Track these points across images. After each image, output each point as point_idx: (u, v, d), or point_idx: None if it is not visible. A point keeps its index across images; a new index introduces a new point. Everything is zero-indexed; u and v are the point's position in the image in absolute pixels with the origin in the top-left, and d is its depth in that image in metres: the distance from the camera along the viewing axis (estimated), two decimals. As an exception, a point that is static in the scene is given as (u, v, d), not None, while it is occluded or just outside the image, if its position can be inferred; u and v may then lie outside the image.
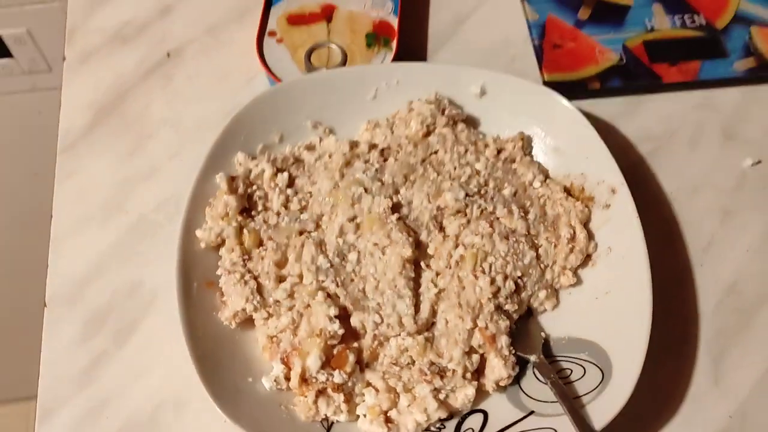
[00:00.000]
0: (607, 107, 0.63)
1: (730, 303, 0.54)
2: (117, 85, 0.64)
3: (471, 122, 0.60)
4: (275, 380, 0.47)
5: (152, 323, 0.52)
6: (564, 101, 0.57)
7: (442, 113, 0.58)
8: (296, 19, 0.66)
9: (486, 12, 0.69)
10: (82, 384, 0.50)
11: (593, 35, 0.66)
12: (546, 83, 0.63)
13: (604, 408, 0.45)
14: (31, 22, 0.87)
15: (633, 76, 0.64)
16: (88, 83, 0.64)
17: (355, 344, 0.48)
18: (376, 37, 0.65)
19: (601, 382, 0.46)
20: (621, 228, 0.52)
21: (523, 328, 0.51)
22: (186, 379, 0.47)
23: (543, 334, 0.51)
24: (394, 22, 0.65)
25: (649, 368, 0.47)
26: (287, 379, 0.47)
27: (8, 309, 1.15)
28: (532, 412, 0.46)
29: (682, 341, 0.52)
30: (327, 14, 0.66)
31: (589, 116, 0.56)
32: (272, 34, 0.65)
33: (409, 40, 0.66)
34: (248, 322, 0.50)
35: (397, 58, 0.63)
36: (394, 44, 0.64)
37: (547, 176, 0.57)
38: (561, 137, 0.58)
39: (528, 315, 0.52)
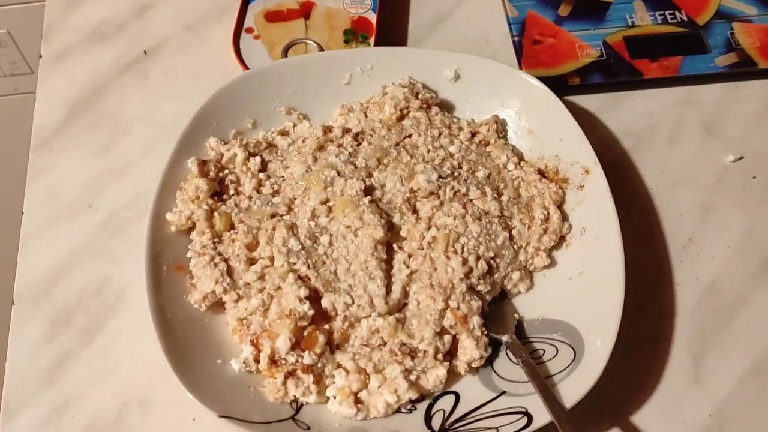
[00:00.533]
0: (587, 103, 0.63)
1: (710, 301, 0.53)
2: (92, 81, 0.64)
3: (445, 106, 0.60)
4: (244, 362, 0.46)
5: (119, 321, 0.51)
6: (537, 83, 0.57)
7: (416, 97, 0.58)
8: (274, 16, 0.65)
9: (466, 9, 0.69)
10: (48, 383, 0.49)
11: (573, 31, 0.66)
12: None
13: (575, 386, 0.44)
14: (11, 24, 0.86)
15: (614, 72, 0.63)
16: (63, 80, 0.64)
17: (326, 326, 0.48)
18: (354, 33, 0.65)
19: (572, 361, 0.46)
20: (594, 208, 0.52)
21: (496, 310, 0.50)
22: (152, 378, 0.47)
23: (516, 315, 0.50)
24: (373, 18, 0.65)
25: (626, 361, 0.47)
26: (257, 361, 0.46)
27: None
28: (503, 393, 0.46)
29: (661, 337, 0.52)
30: (305, 11, 0.66)
31: (569, 109, 0.55)
32: (249, 30, 0.64)
33: (388, 36, 0.66)
34: (219, 305, 0.49)
35: None
36: (372, 40, 0.64)
37: (521, 159, 0.57)
38: (535, 120, 0.57)
39: (502, 297, 0.52)
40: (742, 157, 0.60)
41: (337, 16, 0.65)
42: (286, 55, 0.63)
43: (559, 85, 0.61)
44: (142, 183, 0.56)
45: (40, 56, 0.66)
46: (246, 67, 0.62)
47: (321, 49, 0.63)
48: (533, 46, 0.65)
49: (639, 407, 0.49)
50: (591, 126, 0.61)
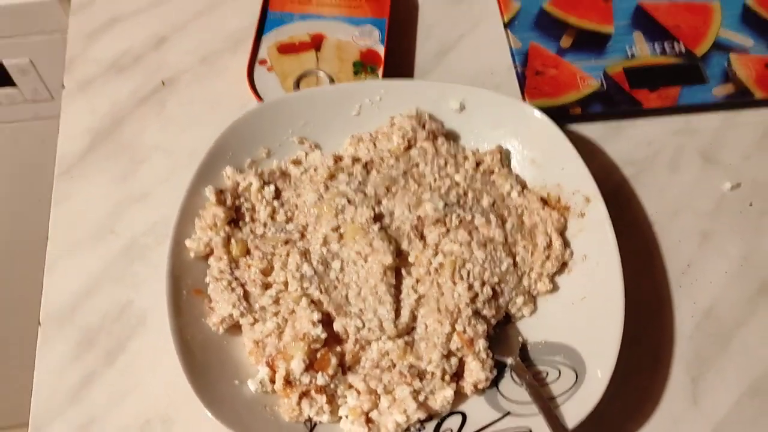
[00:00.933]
0: (589, 131, 0.65)
1: (708, 325, 0.55)
2: (113, 112, 0.66)
3: (451, 136, 0.62)
4: (260, 383, 0.48)
5: (141, 342, 0.53)
6: (539, 114, 0.59)
7: (423, 127, 0.60)
8: (286, 48, 0.68)
9: (471, 41, 0.71)
10: (73, 401, 0.51)
11: (575, 62, 0.68)
12: None
13: (577, 407, 0.46)
14: (34, 53, 0.89)
15: (614, 102, 0.65)
16: (85, 110, 0.66)
17: (338, 348, 0.50)
18: (363, 65, 0.67)
19: (574, 384, 0.48)
20: (595, 236, 0.54)
21: (501, 333, 0.52)
22: (173, 397, 0.49)
23: (520, 338, 0.52)
24: (381, 50, 0.67)
25: (626, 383, 0.49)
26: (272, 381, 0.48)
27: (2, 330, 1.16)
28: (508, 413, 0.48)
29: (660, 360, 0.53)
30: (316, 43, 0.69)
31: (570, 139, 0.58)
32: (263, 62, 0.67)
33: (396, 68, 0.68)
34: (235, 327, 0.51)
35: None
36: (380, 72, 0.66)
37: (524, 187, 0.59)
38: (537, 149, 0.60)
39: (506, 320, 0.54)
40: (739, 185, 0.62)
41: (346, 48, 0.68)
42: (298, 86, 0.66)
43: (561, 115, 0.63)
44: (161, 210, 0.58)
45: (63, 86, 0.69)
46: (260, 98, 0.64)
47: (331, 80, 0.66)
48: (536, 77, 0.67)
49: (639, 428, 0.50)
50: (592, 154, 0.63)
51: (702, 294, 0.56)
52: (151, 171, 0.63)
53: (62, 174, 0.63)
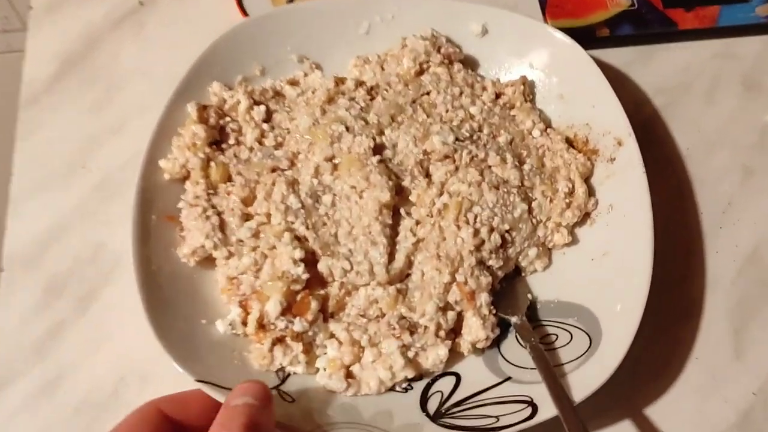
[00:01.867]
0: (616, 57, 0.58)
1: (753, 271, 0.49)
2: (86, 34, 0.59)
3: (469, 63, 0.55)
4: (231, 324, 0.43)
5: (116, 289, 0.48)
6: (573, 43, 0.51)
7: (438, 51, 0.53)
8: None
9: None
10: (40, 355, 0.46)
11: None
12: None
13: (587, 378, 0.40)
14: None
15: (645, 23, 0.58)
16: (54, 33, 0.59)
17: (321, 291, 0.44)
18: None
19: (587, 350, 0.42)
20: (625, 184, 0.47)
21: (508, 288, 0.46)
22: (152, 351, 0.42)
23: (530, 295, 0.46)
24: None
25: (662, 333, 0.44)
26: (244, 324, 0.43)
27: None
28: (508, 378, 0.42)
29: (699, 310, 0.48)
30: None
31: (600, 65, 0.51)
32: None
33: None
34: (209, 261, 0.46)
35: None
36: None
37: (548, 126, 0.52)
38: (566, 83, 0.52)
39: (515, 274, 0.48)
40: None
41: None
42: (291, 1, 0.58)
43: (587, 38, 0.56)
44: (138, 143, 0.50)
45: (30, 7, 0.61)
46: (247, 16, 0.57)
47: None
48: None
49: (672, 384, 0.45)
50: (620, 82, 0.56)
51: (745, 236, 0.50)
52: (129, 99, 0.56)
53: (28, 103, 0.56)
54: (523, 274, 0.48)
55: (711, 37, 0.59)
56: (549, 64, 0.53)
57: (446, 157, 0.48)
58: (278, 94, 0.53)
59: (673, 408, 0.45)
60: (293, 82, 0.54)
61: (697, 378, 0.45)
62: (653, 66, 0.57)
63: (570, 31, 0.52)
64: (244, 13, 0.58)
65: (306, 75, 0.55)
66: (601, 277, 0.45)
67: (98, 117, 0.55)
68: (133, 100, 0.56)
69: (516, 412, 0.39)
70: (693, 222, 0.51)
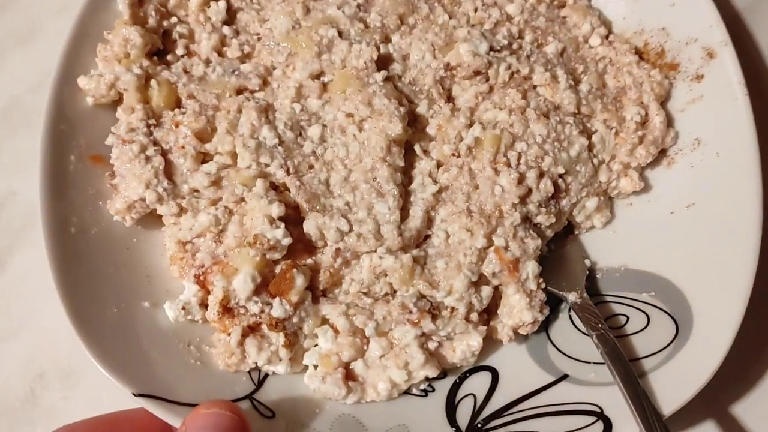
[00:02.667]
0: None
1: None
2: None
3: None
4: (184, 307, 0.33)
5: (28, 255, 0.39)
6: None
7: (464, -76, 0.40)
8: None
9: None
10: None
11: None
12: None
13: (678, 378, 0.31)
14: None
15: None
16: None
17: (308, 261, 0.33)
18: None
19: (673, 339, 0.32)
20: (717, 111, 0.37)
21: (558, 253, 0.37)
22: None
23: (587, 262, 0.36)
24: None
25: (751, 324, 0.33)
26: (203, 306, 0.33)
27: None
28: (565, 377, 0.32)
29: None
30: None
31: None
32: None
33: None
34: (152, 219, 0.35)
35: None
36: None
37: (610, 31, 0.41)
38: (637, -28, 0.40)
39: (566, 233, 0.38)
40: None
41: None
42: None
43: None
44: (55, 55, 0.39)
45: None
46: None
47: None
48: None
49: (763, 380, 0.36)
50: None
51: None
52: None
53: None
54: (576, 232, 0.37)
55: None
56: (611, -53, 0.40)
57: (477, 73, 0.38)
58: (244, -15, 0.40)
59: (765, 409, 0.35)
60: (265, -30, 0.41)
61: None
62: None
63: None
64: None
65: (283, -41, 0.41)
66: (686, 237, 0.35)
67: (1, 20, 0.45)
68: None
69: (582, 428, 0.29)
70: None
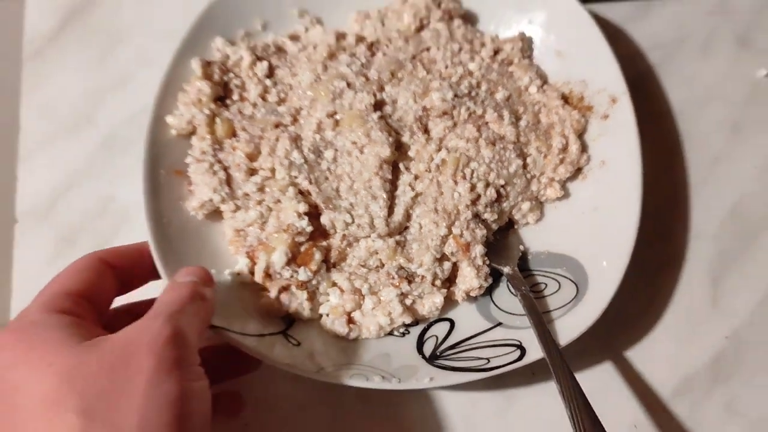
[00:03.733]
0: (614, 11, 0.58)
1: (733, 224, 0.51)
2: None
3: (469, 18, 0.56)
4: (239, 273, 0.45)
5: (126, 240, 0.47)
6: (574, 2, 0.52)
7: (438, 6, 0.54)
8: None
9: None
10: None
11: None
12: None
13: (573, 324, 0.43)
14: None
15: None
16: None
17: (324, 243, 0.46)
18: None
19: (574, 298, 0.44)
20: (617, 141, 0.49)
21: (501, 240, 0.49)
22: None
23: (521, 247, 0.49)
24: None
25: (645, 282, 0.46)
26: (251, 273, 0.45)
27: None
28: (499, 324, 0.45)
29: (681, 259, 0.50)
30: None
31: (596, 20, 0.51)
32: None
33: None
34: (216, 214, 0.48)
35: None
36: None
37: (545, 81, 0.53)
38: (564, 39, 0.53)
39: (508, 227, 0.50)
40: None
41: None
42: None
43: None
44: (143, 98, 0.50)
45: None
46: None
47: None
48: None
49: (652, 328, 0.48)
50: (616, 38, 0.58)
51: (728, 190, 0.52)
52: (131, 53, 0.57)
53: (32, 57, 0.57)
54: (516, 227, 0.50)
55: None
56: (547, 21, 0.53)
57: (445, 113, 0.50)
58: (280, 50, 0.54)
59: (651, 351, 0.48)
60: (294, 37, 0.55)
61: (675, 324, 0.48)
62: (651, 20, 0.58)
63: None
64: None
65: (307, 30, 0.55)
66: (589, 230, 0.47)
67: (102, 70, 0.56)
68: (135, 54, 0.57)
69: (505, 354, 0.42)
70: (681, 176, 0.53)
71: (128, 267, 0.40)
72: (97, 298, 0.37)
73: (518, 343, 0.43)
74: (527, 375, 0.47)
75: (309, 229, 0.45)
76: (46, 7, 0.59)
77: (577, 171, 0.50)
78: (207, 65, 0.50)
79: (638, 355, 0.47)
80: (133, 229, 0.51)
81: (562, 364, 0.39)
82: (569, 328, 0.43)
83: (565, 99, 0.52)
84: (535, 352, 0.42)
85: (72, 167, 0.53)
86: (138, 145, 0.47)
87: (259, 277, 0.45)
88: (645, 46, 0.57)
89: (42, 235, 0.51)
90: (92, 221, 0.51)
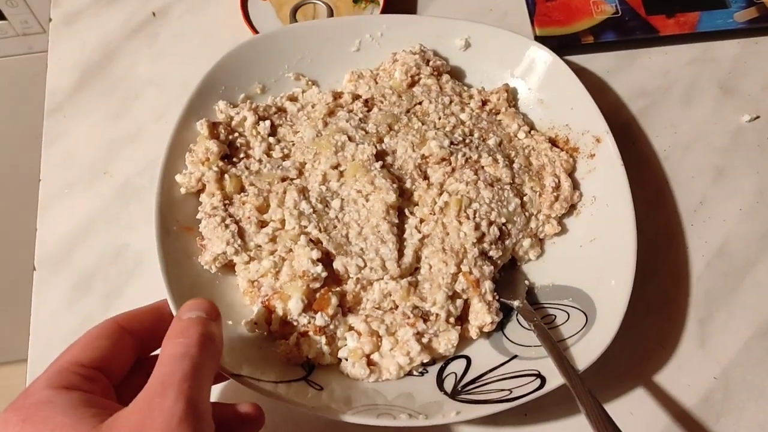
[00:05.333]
0: (600, 62, 0.62)
1: (719, 265, 0.53)
2: (103, 44, 0.64)
3: (456, 74, 0.59)
4: (256, 323, 0.46)
5: (138, 286, 0.52)
6: (547, 52, 0.56)
7: (427, 64, 0.58)
8: None
9: None
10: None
11: None
12: (537, 38, 0.62)
13: (587, 350, 0.44)
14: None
15: (628, 30, 0.62)
16: (74, 44, 0.64)
17: (338, 288, 0.47)
18: None
19: (584, 325, 0.46)
20: (605, 177, 0.52)
21: (507, 277, 0.50)
22: None
23: (527, 281, 0.50)
24: None
25: (634, 325, 0.47)
26: (268, 322, 0.46)
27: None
28: (515, 356, 0.46)
29: (669, 301, 0.52)
30: (313, -30, 0.65)
31: (581, 72, 0.56)
32: None
33: None
34: (228, 266, 0.49)
35: (385, 13, 0.63)
36: (381, 0, 0.63)
37: (532, 128, 0.57)
38: (545, 89, 0.57)
39: (512, 264, 0.52)
40: (758, 117, 0.59)
41: None
42: (294, 17, 0.62)
43: (572, 44, 0.61)
44: (155, 150, 0.53)
45: (50, 19, 0.65)
46: (255, 30, 0.61)
47: (330, 9, 0.63)
48: (546, 3, 0.64)
49: (644, 370, 0.49)
50: (602, 87, 0.61)
51: (714, 232, 0.55)
52: (144, 108, 0.60)
53: (52, 112, 0.60)
54: (519, 264, 0.52)
55: (690, 41, 0.63)
56: (529, 73, 0.58)
57: (443, 159, 0.52)
58: (280, 110, 0.56)
59: (638, 390, 0.48)
60: (293, 98, 0.58)
61: (663, 365, 0.49)
62: (634, 70, 0.62)
63: (556, 39, 0.56)
64: (250, 23, 0.62)
65: (304, 91, 0.58)
66: (590, 261, 0.50)
67: (117, 125, 0.59)
68: (148, 109, 0.60)
69: (526, 384, 0.43)
70: (666, 220, 0.55)
71: (147, 330, 0.40)
72: (112, 367, 0.37)
73: (537, 372, 0.44)
74: (519, 415, 0.47)
75: (324, 274, 0.46)
76: (67, 65, 0.62)
77: (571, 207, 0.53)
78: (213, 126, 0.52)
79: (625, 396, 0.48)
80: (146, 275, 0.52)
81: (583, 388, 0.41)
82: (584, 353, 0.44)
83: (553, 142, 0.55)
84: (555, 379, 0.43)
85: (88, 216, 0.55)
86: (150, 193, 0.49)
87: (276, 326, 0.45)
88: (629, 95, 0.60)
89: (59, 283, 0.52)
90: (107, 268, 0.53)
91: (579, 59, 0.62)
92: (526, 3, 0.65)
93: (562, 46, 0.55)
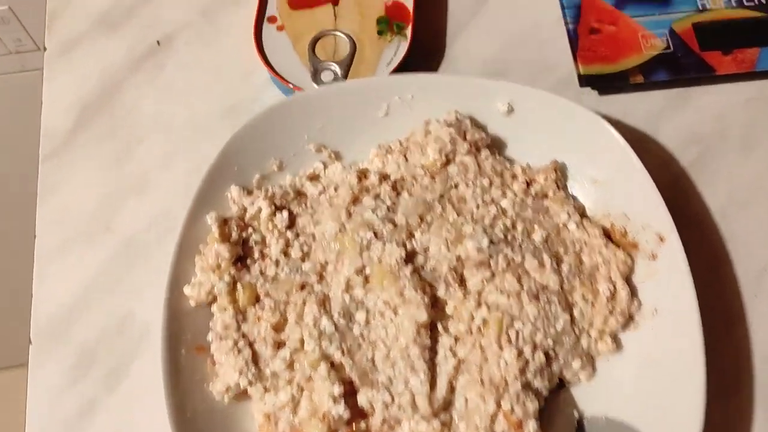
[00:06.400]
0: (648, 103, 0.56)
1: None
2: (103, 78, 0.58)
3: (496, 144, 0.52)
4: (274, 465, 0.42)
5: (145, 362, 0.47)
6: (609, 127, 0.49)
7: (464, 138, 0.51)
8: (299, 3, 0.58)
9: None
10: None
11: (636, 17, 0.58)
12: (582, 76, 0.56)
13: None
14: (13, 0, 0.80)
15: (681, 67, 0.56)
16: (71, 77, 0.58)
17: (362, 424, 0.43)
18: (389, 21, 0.57)
19: (642, 477, 0.40)
20: (669, 286, 0.45)
21: (552, 405, 0.45)
22: None
23: (576, 413, 0.45)
24: (410, 3, 0.58)
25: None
26: (287, 463, 0.42)
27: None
28: (561, 508, 0.41)
29: (735, 390, 0.46)
30: (333, -5, 0.58)
31: (628, 115, 0.50)
32: (272, 20, 0.58)
33: (425, 24, 0.59)
34: (244, 394, 0.45)
35: (412, 47, 0.56)
36: (408, 31, 0.57)
37: (583, 214, 0.50)
38: (602, 167, 0.50)
39: (558, 387, 0.46)
40: None
41: (368, 2, 0.58)
42: (313, 51, 0.56)
43: (620, 85, 0.56)
44: (161, 202, 0.51)
45: (45, 48, 0.60)
46: (270, 66, 0.55)
47: (352, 42, 0.56)
48: (590, 36, 0.57)
49: None
50: (652, 131, 0.55)
51: None
52: (150, 153, 0.55)
53: (48, 158, 0.55)
54: (566, 385, 0.46)
55: (748, 79, 0.57)
56: (582, 146, 0.50)
57: (482, 263, 0.46)
58: (299, 194, 0.51)
59: None
60: (313, 177, 0.52)
61: None
62: (686, 112, 0.56)
63: (602, 78, 0.52)
64: (264, 56, 0.56)
65: (326, 166, 0.52)
66: (651, 387, 0.44)
67: (119, 173, 0.54)
68: (153, 154, 0.55)
69: None
70: (728, 290, 0.49)
71: None
72: None
73: None
74: None
75: (346, 415, 0.42)
76: (63, 104, 0.57)
77: (630, 319, 0.46)
78: (224, 224, 0.47)
79: None
80: (152, 348, 0.46)
81: None
82: None
83: (607, 234, 0.49)
84: None
85: (88, 280, 0.51)
86: (157, 250, 0.46)
87: (295, 469, 0.41)
88: (680, 141, 0.54)
89: (57, 357, 0.48)
90: (110, 341, 0.49)
91: (624, 99, 0.56)
92: (567, 34, 0.58)
93: (608, 85, 0.50)
